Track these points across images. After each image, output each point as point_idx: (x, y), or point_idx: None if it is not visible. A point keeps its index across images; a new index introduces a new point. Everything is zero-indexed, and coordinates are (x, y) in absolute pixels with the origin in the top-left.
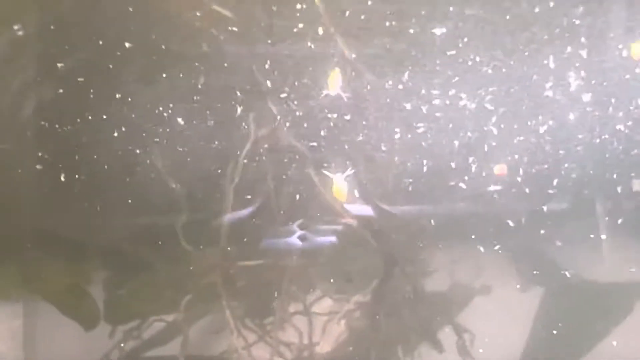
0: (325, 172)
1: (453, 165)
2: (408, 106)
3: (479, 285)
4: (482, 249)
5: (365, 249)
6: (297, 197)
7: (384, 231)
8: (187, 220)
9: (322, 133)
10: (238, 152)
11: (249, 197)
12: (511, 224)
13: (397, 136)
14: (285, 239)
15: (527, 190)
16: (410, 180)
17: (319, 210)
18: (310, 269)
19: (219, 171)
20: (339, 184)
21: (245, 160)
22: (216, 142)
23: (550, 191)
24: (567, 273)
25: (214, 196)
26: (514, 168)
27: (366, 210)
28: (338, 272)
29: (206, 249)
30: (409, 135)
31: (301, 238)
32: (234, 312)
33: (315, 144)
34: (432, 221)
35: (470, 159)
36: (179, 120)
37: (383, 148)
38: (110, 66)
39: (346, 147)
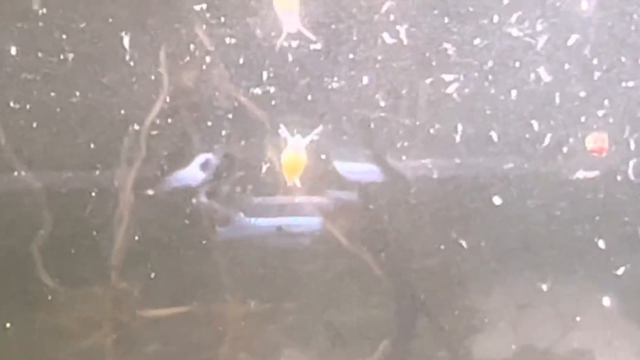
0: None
1: (502, 134)
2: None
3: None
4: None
5: (364, 281)
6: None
7: (397, 250)
8: (50, 238)
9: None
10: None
11: (150, 192)
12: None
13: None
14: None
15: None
16: (431, 159)
17: (278, 209)
18: (267, 321)
19: (109, 151)
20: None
21: (154, 132)
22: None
23: None
24: None
25: (99, 196)
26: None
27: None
28: (316, 327)
29: (85, 286)
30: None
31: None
32: None
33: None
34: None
35: (539, 124)
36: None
37: (380, 102)
38: None
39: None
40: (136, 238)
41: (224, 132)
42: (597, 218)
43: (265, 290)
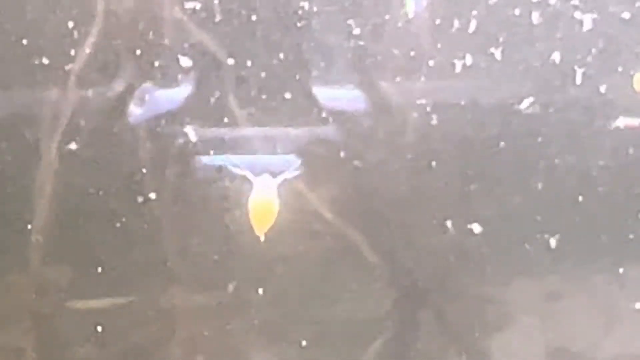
0: None
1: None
2: None
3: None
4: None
5: (353, 267)
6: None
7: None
8: None
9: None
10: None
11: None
12: None
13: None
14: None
15: None
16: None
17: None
18: (230, 316)
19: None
20: None
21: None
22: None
23: None
24: None
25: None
26: None
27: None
28: (294, 324)
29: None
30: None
31: None
32: None
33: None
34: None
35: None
36: None
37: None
38: None
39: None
40: (62, 209)
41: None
42: None
43: (227, 277)
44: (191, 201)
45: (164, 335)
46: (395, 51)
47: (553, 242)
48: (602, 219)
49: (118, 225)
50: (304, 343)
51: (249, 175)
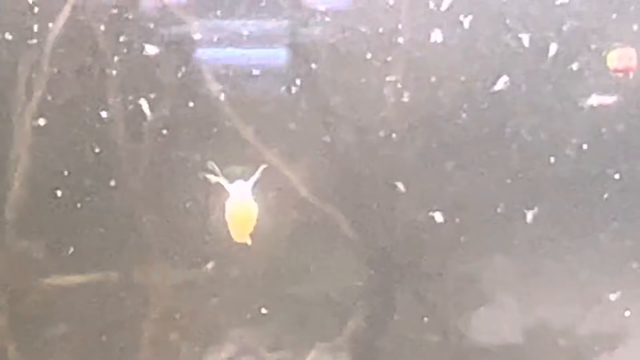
0: None
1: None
2: None
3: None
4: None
5: (330, 244)
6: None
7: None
8: None
9: None
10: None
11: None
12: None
13: None
14: None
15: None
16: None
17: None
18: (205, 293)
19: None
20: None
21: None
22: None
23: None
24: None
25: None
26: None
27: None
28: (270, 301)
29: None
30: None
31: None
32: None
33: None
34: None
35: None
36: None
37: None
38: None
39: None
40: (37, 184)
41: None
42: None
43: (202, 254)
44: (164, 177)
45: (138, 312)
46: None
47: (529, 217)
48: (575, 195)
49: (91, 201)
50: (280, 319)
51: (224, 183)
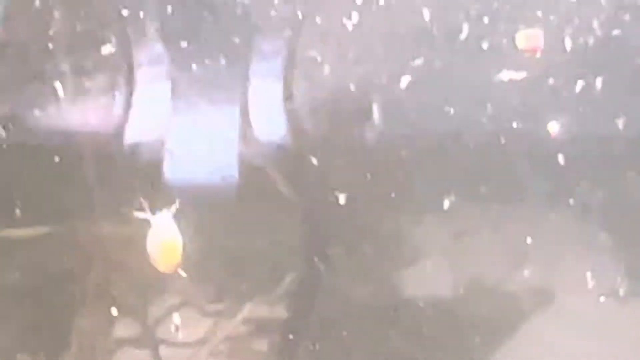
0: None
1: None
2: None
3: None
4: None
5: (266, 199)
6: None
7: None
8: None
9: None
10: None
11: None
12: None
13: None
14: None
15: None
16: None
17: None
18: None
19: None
20: None
21: None
22: None
23: None
24: None
25: None
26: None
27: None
28: (207, 254)
29: None
30: None
31: None
32: None
33: None
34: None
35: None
36: None
37: None
38: None
39: None
40: None
41: None
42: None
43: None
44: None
45: (84, 265)
46: None
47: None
48: (494, 163)
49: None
50: (218, 276)
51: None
